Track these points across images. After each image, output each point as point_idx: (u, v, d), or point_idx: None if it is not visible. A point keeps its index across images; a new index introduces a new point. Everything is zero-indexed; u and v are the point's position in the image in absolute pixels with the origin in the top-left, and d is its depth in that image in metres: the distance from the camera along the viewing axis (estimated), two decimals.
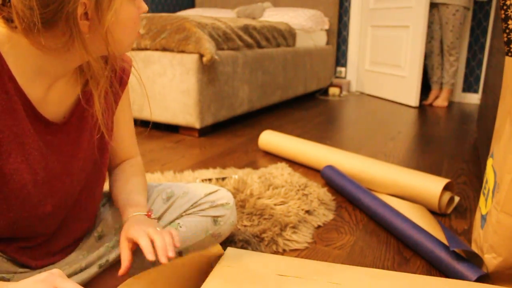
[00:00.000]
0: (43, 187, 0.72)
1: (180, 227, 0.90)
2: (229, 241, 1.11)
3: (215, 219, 0.95)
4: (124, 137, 0.89)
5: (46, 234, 0.78)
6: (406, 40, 3.30)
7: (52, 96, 0.69)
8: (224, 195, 0.96)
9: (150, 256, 0.68)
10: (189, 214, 0.92)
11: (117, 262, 0.87)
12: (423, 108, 3.27)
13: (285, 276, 0.78)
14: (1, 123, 0.62)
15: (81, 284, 0.81)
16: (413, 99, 3.28)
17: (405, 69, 3.36)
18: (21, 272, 0.76)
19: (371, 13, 3.71)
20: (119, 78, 0.82)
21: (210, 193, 0.95)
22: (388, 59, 3.55)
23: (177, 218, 0.91)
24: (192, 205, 0.93)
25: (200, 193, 0.94)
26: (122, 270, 0.71)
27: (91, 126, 0.77)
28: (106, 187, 0.94)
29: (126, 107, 0.88)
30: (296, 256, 1.10)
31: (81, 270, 0.83)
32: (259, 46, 2.70)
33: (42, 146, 0.70)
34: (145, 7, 0.70)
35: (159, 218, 0.91)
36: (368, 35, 3.77)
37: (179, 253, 0.91)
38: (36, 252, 0.79)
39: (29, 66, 0.63)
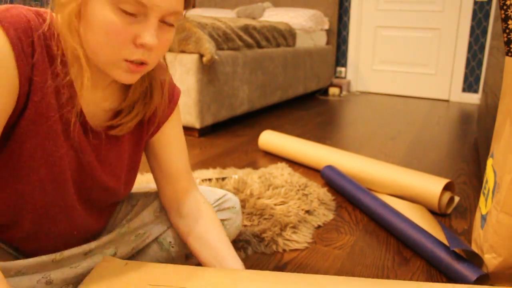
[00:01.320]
0: (81, 186, 0.71)
1: None
2: None
3: (221, 222, 0.94)
4: (176, 158, 0.82)
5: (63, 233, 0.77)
6: (433, 40, 3.64)
7: (93, 105, 0.69)
8: (231, 199, 0.97)
9: None
10: None
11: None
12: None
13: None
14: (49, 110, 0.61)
15: (84, 273, 0.78)
16: (446, 93, 3.68)
17: (433, 67, 3.70)
18: None
19: (378, 14, 3.79)
20: (170, 96, 0.78)
21: (219, 199, 0.95)
22: (407, 58, 3.78)
23: None
24: None
25: (210, 199, 0.94)
26: None
27: (128, 139, 0.76)
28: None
29: (177, 127, 0.82)
30: (296, 256, 1.10)
31: (85, 255, 0.79)
32: (259, 46, 2.70)
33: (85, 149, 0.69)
34: (145, 38, 0.57)
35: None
36: (377, 36, 3.85)
37: (186, 256, 0.91)
38: (44, 247, 0.78)
39: None
